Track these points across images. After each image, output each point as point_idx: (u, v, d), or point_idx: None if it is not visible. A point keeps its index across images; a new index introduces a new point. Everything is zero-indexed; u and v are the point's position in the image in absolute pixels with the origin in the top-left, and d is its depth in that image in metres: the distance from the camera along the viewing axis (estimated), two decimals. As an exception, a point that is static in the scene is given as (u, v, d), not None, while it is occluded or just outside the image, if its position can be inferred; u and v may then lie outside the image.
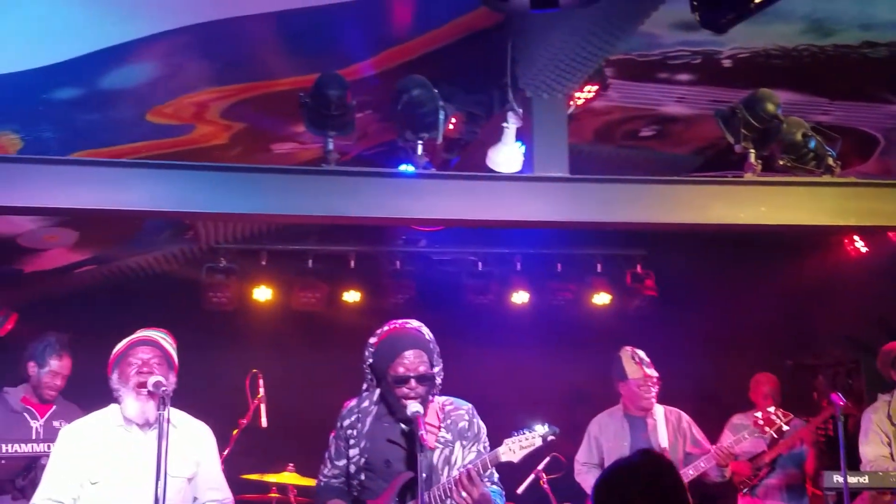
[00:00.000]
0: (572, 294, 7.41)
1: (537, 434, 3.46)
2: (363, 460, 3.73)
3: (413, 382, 3.62)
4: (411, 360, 3.63)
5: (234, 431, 5.65)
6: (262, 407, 5.75)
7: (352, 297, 7.18)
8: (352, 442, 3.77)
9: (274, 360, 6.34)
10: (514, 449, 3.45)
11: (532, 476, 5.87)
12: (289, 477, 5.71)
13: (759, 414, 5.47)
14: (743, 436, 5.51)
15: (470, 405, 3.81)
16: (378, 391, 3.78)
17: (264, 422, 5.73)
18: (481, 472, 3.52)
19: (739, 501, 6.19)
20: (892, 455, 5.09)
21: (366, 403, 3.81)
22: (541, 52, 4.05)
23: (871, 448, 5.19)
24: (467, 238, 7.09)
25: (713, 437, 5.92)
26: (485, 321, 7.36)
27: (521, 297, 7.38)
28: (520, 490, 5.87)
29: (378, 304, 7.18)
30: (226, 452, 5.54)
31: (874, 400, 5.57)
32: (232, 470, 5.60)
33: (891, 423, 5.10)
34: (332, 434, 3.88)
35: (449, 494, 3.52)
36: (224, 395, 5.90)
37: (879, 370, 5.60)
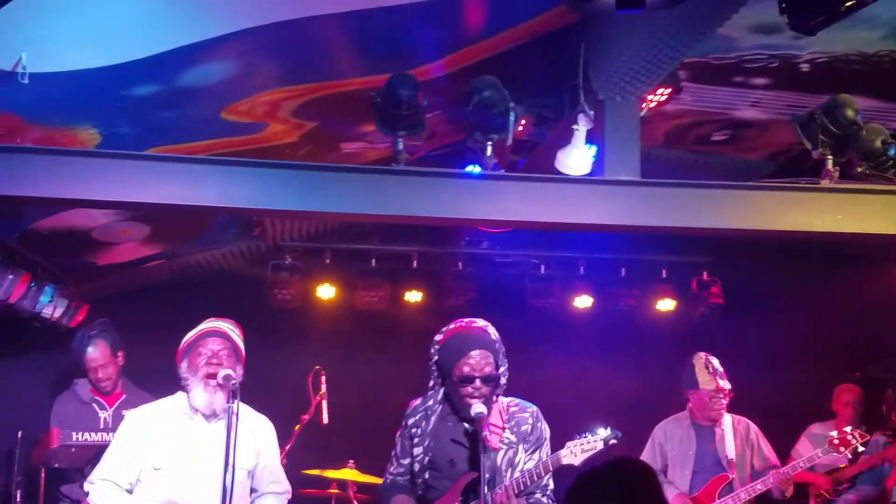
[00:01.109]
0: (636, 300, 7.30)
1: (599, 438, 3.42)
2: (427, 459, 3.74)
3: (478, 382, 3.61)
4: (477, 360, 3.62)
5: (296, 427, 5.71)
6: (324, 403, 5.80)
7: (413, 297, 7.19)
8: (416, 440, 3.78)
9: (336, 358, 6.39)
10: (575, 452, 3.42)
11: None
12: (349, 473, 5.75)
13: (834, 433, 5.34)
14: (817, 454, 5.39)
15: (535, 408, 3.78)
16: (442, 390, 3.78)
17: (325, 418, 5.77)
18: (535, 479, 3.49)
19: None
20: None
21: (430, 402, 3.81)
22: (616, 53, 4.01)
23: None
24: (530, 241, 7.05)
25: (779, 448, 5.80)
26: (546, 325, 7.31)
27: (583, 302, 7.30)
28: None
29: (439, 305, 7.18)
30: (287, 448, 5.60)
31: None
32: (293, 465, 5.67)
33: None
34: (399, 432, 3.90)
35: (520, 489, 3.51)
36: (286, 392, 5.97)
37: None
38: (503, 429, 3.68)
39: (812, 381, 6.68)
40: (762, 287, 7.27)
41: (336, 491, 5.82)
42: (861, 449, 5.33)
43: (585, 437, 3.45)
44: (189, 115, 4.28)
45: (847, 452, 5.27)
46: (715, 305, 7.28)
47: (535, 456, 3.67)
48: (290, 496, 4.01)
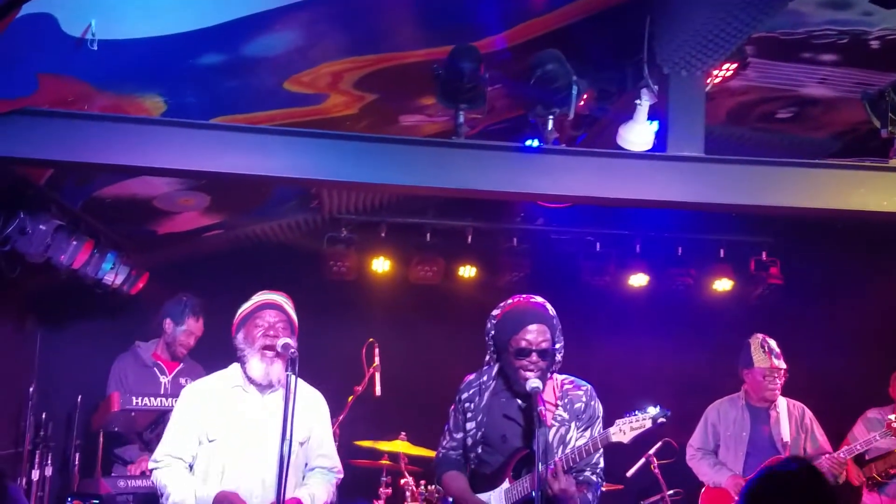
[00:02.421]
0: (693, 279, 7.22)
1: (648, 416, 3.42)
2: (480, 434, 3.77)
3: (534, 356, 3.63)
4: (535, 335, 3.64)
5: (349, 398, 5.79)
6: (377, 376, 5.86)
7: (467, 272, 7.20)
8: (469, 415, 3.81)
9: (390, 331, 6.44)
10: (624, 430, 3.43)
11: (643, 460, 5.81)
12: (401, 445, 5.81)
13: (893, 416, 5.25)
14: (874, 437, 5.31)
15: (589, 386, 3.79)
16: (497, 367, 3.79)
17: (378, 390, 5.84)
18: (584, 456, 3.50)
19: (864, 497, 5.97)
20: None
21: (485, 378, 3.84)
22: (683, 27, 3.94)
23: None
24: (586, 218, 7.00)
25: (838, 431, 5.71)
26: (601, 303, 7.27)
27: (639, 280, 7.24)
28: (630, 473, 5.82)
29: (493, 281, 7.19)
30: (340, 418, 5.68)
31: None
32: (345, 436, 5.76)
33: None
34: (452, 407, 3.93)
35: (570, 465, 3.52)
36: (341, 363, 6.05)
37: None
38: (556, 406, 3.70)
39: (871, 365, 6.53)
40: (822, 268, 7.14)
41: (388, 462, 5.88)
42: None
43: (635, 414, 3.45)
44: (252, 86, 4.31)
45: None
46: (773, 286, 7.18)
47: (587, 434, 3.67)
48: (341, 474, 4.04)
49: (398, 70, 4.40)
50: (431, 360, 6.78)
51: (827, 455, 5.23)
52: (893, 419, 5.21)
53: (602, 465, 3.71)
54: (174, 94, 4.15)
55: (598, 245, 7.32)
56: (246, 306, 3.92)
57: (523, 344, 3.64)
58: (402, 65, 4.37)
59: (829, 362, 6.87)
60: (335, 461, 4.04)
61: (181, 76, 4.03)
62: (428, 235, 7.07)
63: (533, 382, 3.58)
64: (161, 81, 4.04)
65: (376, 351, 5.91)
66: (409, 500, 5.70)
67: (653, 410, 3.42)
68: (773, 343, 5.24)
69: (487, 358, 3.87)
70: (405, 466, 5.82)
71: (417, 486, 5.69)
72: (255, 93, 4.37)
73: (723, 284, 7.23)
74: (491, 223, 7.18)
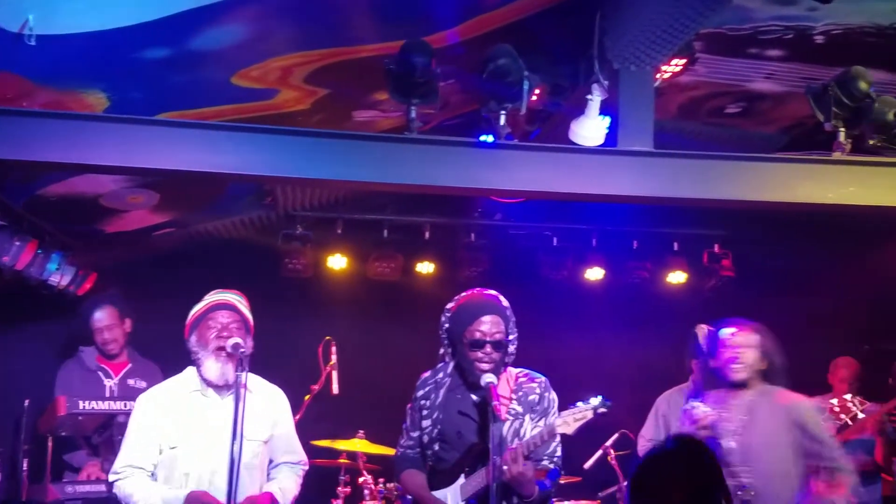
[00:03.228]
0: (648, 272, 7.30)
1: (590, 407, 3.46)
2: (436, 431, 3.77)
3: (488, 348, 3.64)
4: (489, 326, 3.66)
5: (306, 397, 5.73)
6: (335, 374, 5.82)
7: (426, 268, 7.19)
8: (425, 413, 3.82)
9: (347, 328, 6.41)
10: (568, 421, 3.46)
11: (600, 451, 5.84)
12: (359, 444, 5.77)
13: (835, 401, 5.37)
14: None
15: (544, 378, 3.81)
16: (452, 363, 3.79)
17: (336, 389, 5.80)
18: (533, 448, 3.52)
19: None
20: None
21: (440, 375, 3.85)
22: (631, 22, 3.97)
23: None
24: (543, 213, 7.03)
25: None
26: (558, 297, 7.31)
27: (595, 274, 7.30)
28: (587, 465, 5.86)
29: (452, 276, 7.18)
30: (297, 418, 5.61)
31: None
32: (303, 435, 5.65)
33: None
34: (409, 406, 3.93)
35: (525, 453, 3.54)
36: (297, 362, 5.99)
37: None
38: (511, 399, 3.71)
39: (821, 355, 6.66)
40: (773, 260, 7.25)
41: (346, 461, 5.84)
42: (861, 416, 5.36)
43: (577, 406, 3.49)
44: (200, 80, 4.25)
45: (847, 419, 5.30)
46: (726, 278, 7.28)
47: (542, 425, 3.69)
48: (306, 466, 4.03)
49: (350, 65, 4.37)
50: (390, 356, 6.76)
51: None
52: (836, 404, 5.33)
53: (560, 453, 3.73)
54: (118, 90, 4.08)
55: (555, 240, 7.36)
56: (198, 307, 3.85)
57: (477, 335, 3.65)
58: (354, 59, 4.35)
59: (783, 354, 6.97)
60: (301, 455, 4.04)
61: (125, 71, 3.97)
62: (385, 231, 7.04)
63: (487, 377, 3.58)
64: (104, 76, 3.97)
65: (333, 349, 5.87)
66: (368, 498, 5.67)
67: (594, 401, 3.46)
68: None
69: (442, 352, 3.87)
70: (364, 465, 5.78)
71: (376, 484, 5.67)
72: (203, 88, 4.31)
73: (677, 277, 7.31)
74: (449, 219, 7.18)
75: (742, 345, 4.23)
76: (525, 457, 3.49)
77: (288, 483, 3.89)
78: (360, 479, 5.71)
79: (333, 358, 5.83)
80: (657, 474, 2.31)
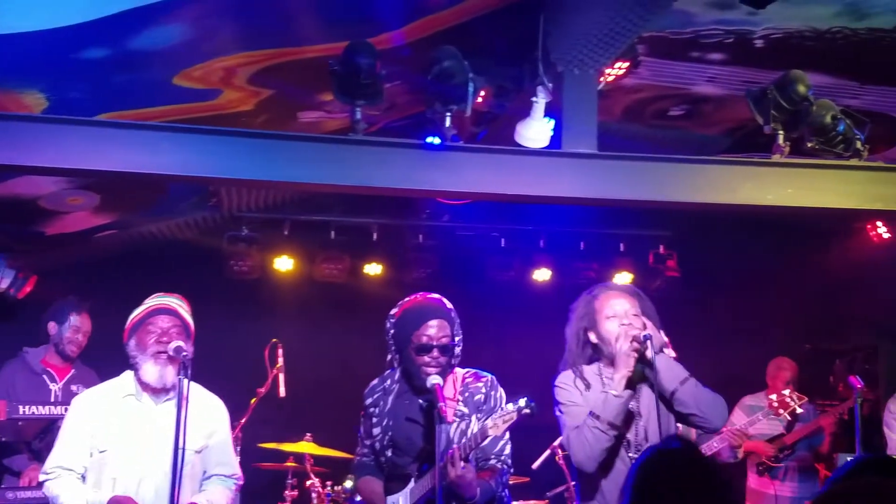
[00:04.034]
0: (595, 273, 7.36)
1: (515, 409, 3.46)
2: (387, 438, 3.77)
3: (435, 352, 3.65)
4: (434, 330, 3.66)
5: (253, 400, 5.69)
6: (281, 376, 5.78)
7: (373, 269, 7.18)
8: (374, 420, 3.81)
9: (294, 331, 6.36)
10: (497, 423, 3.47)
11: (548, 451, 5.88)
12: (306, 446, 5.74)
13: (773, 396, 5.49)
14: (757, 417, 5.52)
15: (490, 376, 3.82)
16: (400, 369, 3.79)
17: (283, 391, 5.76)
18: (472, 448, 3.53)
19: (751, 481, 6.20)
20: None
21: (388, 382, 3.85)
22: (574, 25, 4.00)
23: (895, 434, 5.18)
24: (491, 214, 7.07)
25: (732, 419, 5.91)
26: (506, 298, 7.35)
27: (543, 275, 7.36)
28: (535, 465, 5.89)
29: (400, 278, 7.18)
30: (243, 421, 5.59)
31: None
32: (249, 438, 5.67)
33: None
34: (362, 413, 3.93)
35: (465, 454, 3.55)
36: (243, 365, 5.94)
37: None
38: (457, 400, 3.71)
39: (765, 353, 6.79)
40: (718, 261, 7.37)
41: (293, 464, 5.81)
42: (800, 410, 5.49)
43: (505, 408, 3.51)
44: (141, 81, 4.19)
45: (786, 414, 5.42)
46: (671, 279, 7.38)
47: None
48: (240, 481, 3.95)
49: (295, 65, 4.34)
50: (338, 358, 6.74)
51: (727, 428, 5.42)
52: (774, 399, 5.44)
53: (508, 452, 3.74)
54: (56, 90, 4.00)
55: (503, 241, 7.41)
56: (138, 311, 3.79)
57: (424, 340, 3.65)
58: (298, 60, 4.32)
59: (723, 352, 7.10)
60: (234, 468, 3.95)
61: (63, 71, 3.89)
62: (332, 233, 7.02)
63: (433, 378, 3.58)
64: (42, 77, 3.89)
65: (280, 351, 5.83)
66: (315, 501, 5.64)
67: (521, 402, 3.47)
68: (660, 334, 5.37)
69: (389, 358, 3.87)
70: (311, 468, 5.75)
71: (324, 487, 5.64)
72: (144, 88, 4.24)
73: (623, 277, 7.39)
74: (397, 220, 7.18)
75: None
76: (465, 458, 3.49)
77: (217, 496, 3.80)
78: (308, 483, 5.68)
79: (280, 360, 5.80)
80: (665, 469, 2.34)
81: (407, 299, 3.83)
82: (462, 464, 3.45)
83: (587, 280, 7.40)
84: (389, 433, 3.75)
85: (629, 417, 3.43)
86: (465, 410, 3.70)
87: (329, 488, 5.61)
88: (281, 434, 5.87)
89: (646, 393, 3.50)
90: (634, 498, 2.31)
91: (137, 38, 3.78)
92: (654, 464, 2.37)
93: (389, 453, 3.76)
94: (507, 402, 3.57)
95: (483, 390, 3.75)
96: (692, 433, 5.29)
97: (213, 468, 3.86)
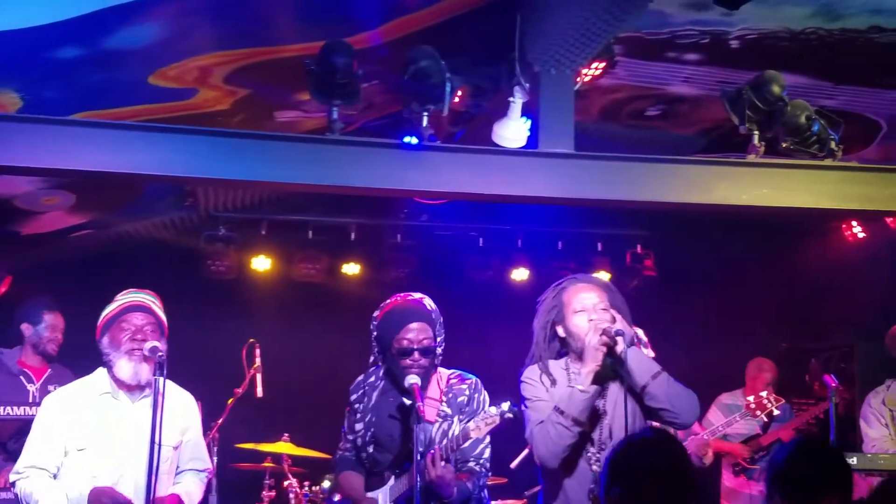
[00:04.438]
0: (572, 272, 7.35)
1: (498, 412, 3.49)
2: (369, 434, 3.80)
3: (416, 355, 3.67)
4: (415, 333, 3.68)
5: (230, 401, 5.68)
6: (258, 377, 5.76)
7: (352, 269, 7.18)
8: (358, 416, 3.84)
9: (272, 331, 6.34)
10: (479, 426, 3.50)
11: (526, 451, 5.89)
12: (283, 447, 5.73)
13: (751, 398, 5.52)
14: (735, 418, 5.56)
15: (475, 379, 3.85)
16: (384, 368, 3.82)
17: (260, 391, 5.75)
18: (454, 450, 3.55)
19: (727, 480, 6.24)
20: (892, 436, 5.13)
21: (372, 378, 3.87)
22: (551, 26, 4.01)
23: (874, 430, 5.22)
24: (469, 214, 7.08)
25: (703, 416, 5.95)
26: (484, 297, 7.37)
27: (521, 274, 7.38)
28: (514, 464, 5.91)
29: (378, 277, 7.19)
30: (220, 421, 5.57)
31: (878, 384, 5.58)
32: (226, 439, 5.65)
33: (887, 409, 5.14)
34: (347, 409, 3.95)
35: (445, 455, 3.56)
36: (221, 365, 5.93)
37: (889, 348, 5.59)
38: (440, 401, 3.73)
39: (742, 352, 6.85)
40: (695, 261, 7.42)
41: (270, 465, 5.79)
42: (777, 412, 5.53)
43: (488, 411, 3.53)
44: (116, 80, 4.16)
45: (763, 416, 5.46)
46: (648, 278, 7.43)
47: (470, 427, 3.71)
48: (212, 474, 4.03)
49: (271, 64, 4.33)
50: (316, 358, 6.73)
51: (691, 437, 5.45)
52: (752, 401, 5.47)
53: (487, 456, 3.77)
54: (31, 90, 3.98)
55: (481, 240, 7.43)
56: (110, 308, 3.78)
57: (405, 343, 3.67)
58: (275, 59, 4.31)
59: (700, 351, 7.15)
60: (206, 462, 4.02)
61: (38, 70, 3.87)
62: (310, 233, 7.00)
63: (411, 378, 3.60)
64: (16, 76, 3.87)
65: (257, 351, 5.81)
66: (293, 502, 5.63)
67: (504, 406, 3.49)
68: (639, 332, 5.40)
69: (373, 359, 3.89)
70: (289, 468, 5.74)
71: (301, 487, 5.63)
72: (119, 87, 4.22)
73: (600, 277, 7.41)
74: (375, 220, 7.18)
75: None
76: (445, 459, 3.51)
77: (193, 488, 3.86)
78: (286, 483, 5.67)
79: (257, 360, 5.78)
80: (637, 459, 2.38)
81: (388, 301, 3.85)
82: (442, 463, 3.46)
83: (565, 279, 7.44)
84: (372, 429, 3.78)
85: (594, 415, 3.35)
86: (449, 412, 3.72)
87: (307, 489, 5.60)
88: (258, 434, 5.85)
89: (613, 389, 3.43)
90: (610, 484, 2.34)
91: (112, 37, 3.76)
92: (630, 450, 2.40)
93: (371, 449, 3.78)
94: (490, 406, 3.59)
95: (467, 392, 3.77)
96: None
97: (186, 463, 3.89)
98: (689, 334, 7.15)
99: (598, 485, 3.17)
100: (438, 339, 3.76)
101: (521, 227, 7.33)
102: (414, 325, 3.68)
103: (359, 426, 3.80)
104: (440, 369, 3.81)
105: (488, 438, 3.69)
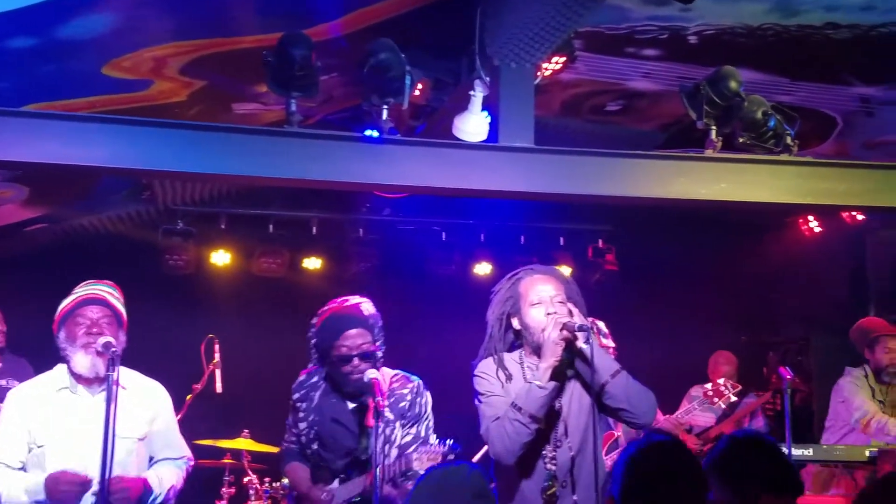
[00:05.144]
0: (535, 267, 7.41)
1: (441, 450, 3.53)
2: (312, 433, 3.80)
3: (356, 360, 3.68)
4: (353, 339, 3.68)
5: (188, 397, 5.61)
6: (218, 372, 5.70)
7: (313, 263, 7.13)
8: (301, 415, 3.84)
9: (232, 326, 6.29)
10: (422, 460, 3.52)
11: (484, 449, 5.89)
12: (243, 443, 5.67)
13: (708, 385, 5.59)
14: (693, 406, 5.61)
15: (417, 382, 3.83)
16: (325, 371, 3.82)
17: (219, 387, 5.69)
18: (397, 475, 3.58)
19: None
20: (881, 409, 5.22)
21: (315, 378, 3.88)
22: (510, 19, 4.01)
23: (857, 398, 5.29)
24: (432, 208, 7.06)
25: (671, 410, 6.00)
26: (447, 291, 7.35)
27: (483, 269, 7.38)
28: (476, 458, 5.91)
29: (340, 272, 7.15)
30: (179, 417, 5.48)
31: (835, 375, 5.66)
32: (185, 435, 5.52)
33: (876, 381, 5.22)
34: (291, 405, 3.95)
35: (390, 476, 3.58)
36: (179, 360, 5.85)
37: (853, 342, 5.67)
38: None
39: (702, 345, 6.92)
40: (656, 255, 7.47)
41: (230, 461, 5.73)
42: (734, 399, 5.60)
43: (432, 446, 3.57)
44: (69, 71, 4.09)
45: (721, 403, 5.53)
46: (610, 272, 7.47)
47: (413, 430, 3.75)
48: (191, 462, 3.93)
49: (228, 56, 4.29)
50: (276, 354, 6.65)
51: (663, 418, 5.51)
52: (709, 388, 5.54)
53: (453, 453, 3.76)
54: (-18, 81, 3.89)
55: (444, 235, 7.40)
56: (66, 302, 3.71)
57: (344, 351, 3.68)
58: (232, 51, 4.26)
59: (661, 344, 7.22)
60: (183, 450, 3.92)
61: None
62: (271, 227, 6.94)
63: (371, 373, 3.59)
64: (-34, 66, 3.78)
65: (216, 347, 5.75)
66: (253, 498, 5.58)
67: (448, 445, 3.54)
68: (601, 324, 5.43)
69: (312, 363, 3.89)
70: (248, 464, 5.69)
71: (262, 483, 5.57)
72: (73, 78, 4.15)
73: (563, 271, 7.43)
74: (337, 214, 7.12)
75: None
76: (390, 481, 3.54)
77: (167, 472, 3.77)
78: (246, 479, 5.61)
79: (216, 356, 5.72)
80: (657, 459, 2.44)
81: (326, 308, 3.86)
82: (387, 486, 3.50)
83: (527, 274, 7.46)
84: (315, 428, 3.78)
85: (552, 412, 3.24)
86: (391, 416, 3.70)
87: (267, 485, 5.55)
88: (218, 430, 5.80)
89: (569, 386, 3.33)
90: (625, 489, 2.36)
91: (65, 27, 3.70)
92: (646, 454, 2.44)
93: (315, 447, 3.80)
94: (436, 439, 3.62)
95: (408, 397, 3.77)
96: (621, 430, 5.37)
97: (160, 453, 3.83)
98: (650, 328, 7.22)
99: (557, 482, 3.19)
100: (378, 343, 3.78)
101: (484, 222, 7.33)
102: (352, 332, 3.68)
103: (302, 425, 3.82)
104: (383, 369, 3.80)
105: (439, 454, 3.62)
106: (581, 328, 3.20)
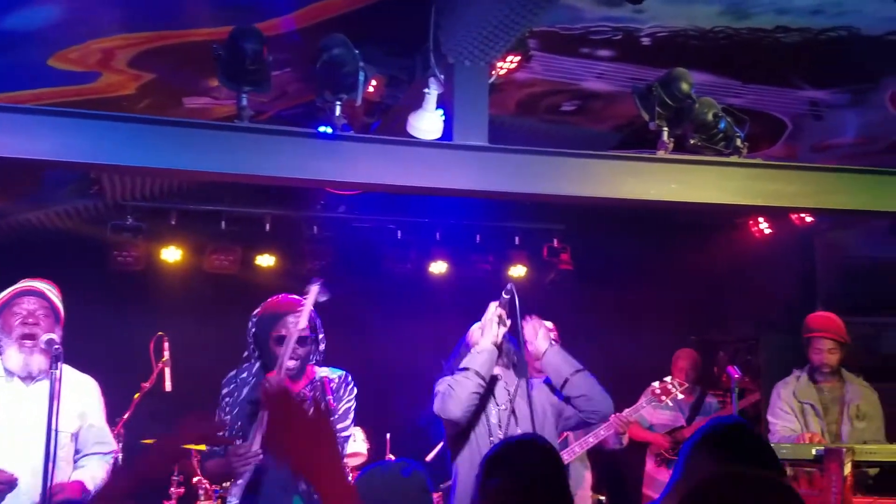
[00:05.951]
0: (490, 265, 7.44)
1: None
2: (236, 427, 3.81)
3: (294, 343, 3.67)
4: (293, 325, 3.70)
5: (136, 395, 5.53)
6: (167, 371, 5.63)
7: (266, 261, 7.05)
8: (227, 409, 3.86)
9: (182, 323, 6.21)
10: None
11: (441, 444, 5.89)
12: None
13: (656, 383, 5.65)
14: (641, 403, 5.66)
15: (342, 373, 3.87)
16: (258, 364, 3.84)
17: (168, 386, 5.62)
18: None
19: (650, 468, 6.35)
20: (802, 428, 5.26)
21: (244, 374, 3.89)
22: (465, 17, 3.99)
23: (779, 420, 5.35)
24: (387, 206, 7.03)
25: (627, 406, 6.05)
26: (402, 290, 7.34)
27: (439, 267, 7.38)
28: (429, 458, 5.90)
29: (294, 269, 7.08)
30: (126, 416, 5.41)
31: (783, 375, 5.72)
32: (133, 434, 5.49)
33: (797, 400, 5.27)
34: (220, 401, 3.96)
35: None
36: (128, 358, 5.77)
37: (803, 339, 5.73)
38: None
39: (655, 345, 6.98)
40: (611, 255, 7.53)
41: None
42: (680, 396, 5.66)
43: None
44: (14, 62, 3.99)
45: (668, 400, 5.58)
46: (565, 272, 7.50)
47: (339, 426, 3.73)
48: (118, 454, 4.00)
49: (178, 49, 4.21)
50: (227, 352, 6.54)
51: (613, 416, 5.54)
52: (657, 386, 5.59)
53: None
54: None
55: (399, 233, 7.38)
56: (3, 294, 3.74)
57: (283, 332, 3.70)
58: (182, 43, 4.19)
59: (615, 343, 7.27)
60: (112, 445, 4.00)
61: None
62: (223, 223, 6.85)
63: (322, 371, 3.58)
64: None
65: (166, 344, 5.68)
66: (202, 498, 5.52)
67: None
68: (548, 324, 5.45)
69: (247, 354, 3.91)
70: (198, 464, 5.61)
71: (211, 484, 5.51)
72: (18, 70, 4.05)
73: (518, 270, 7.48)
74: (291, 211, 7.06)
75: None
76: None
77: (98, 472, 3.83)
78: (195, 479, 5.55)
79: (166, 354, 5.65)
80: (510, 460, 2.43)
81: (269, 300, 3.90)
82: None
83: (483, 273, 7.47)
84: (239, 422, 3.79)
85: (502, 392, 3.94)
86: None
87: (216, 485, 5.49)
88: (167, 430, 5.68)
89: (521, 382, 3.91)
90: (487, 476, 2.37)
91: (9, 17, 3.60)
92: (513, 447, 2.45)
93: (238, 442, 3.77)
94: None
95: (333, 386, 3.81)
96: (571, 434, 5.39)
97: (90, 447, 3.86)
98: (604, 327, 7.27)
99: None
100: (316, 333, 3.78)
101: (440, 220, 7.32)
102: (291, 317, 3.72)
103: (227, 419, 3.83)
104: (315, 367, 3.82)
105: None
106: (507, 291, 4.12)
